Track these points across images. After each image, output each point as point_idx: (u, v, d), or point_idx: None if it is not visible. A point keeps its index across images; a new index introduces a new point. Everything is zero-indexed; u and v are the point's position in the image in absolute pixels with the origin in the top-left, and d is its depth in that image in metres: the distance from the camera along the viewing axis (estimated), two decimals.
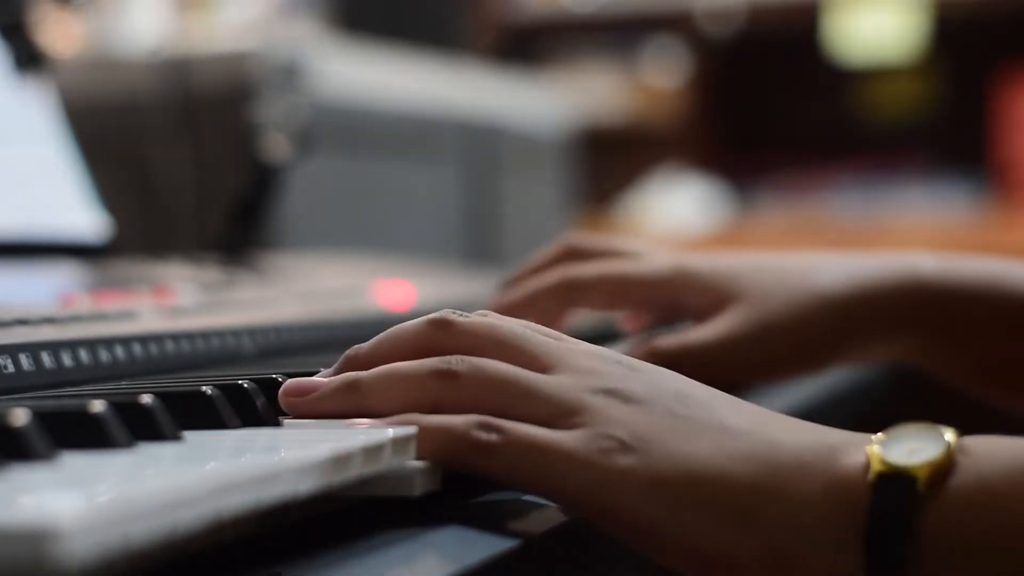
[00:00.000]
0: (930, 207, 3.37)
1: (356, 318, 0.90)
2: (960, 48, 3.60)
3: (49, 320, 0.66)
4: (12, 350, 0.59)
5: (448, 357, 0.55)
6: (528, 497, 0.55)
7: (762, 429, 0.53)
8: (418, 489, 0.50)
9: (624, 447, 0.52)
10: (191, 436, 0.49)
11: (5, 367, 0.59)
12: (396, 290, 1.05)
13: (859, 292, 0.80)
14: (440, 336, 0.57)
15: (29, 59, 1.07)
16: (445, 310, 0.58)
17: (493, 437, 0.52)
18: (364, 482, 0.48)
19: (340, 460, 0.46)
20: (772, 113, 3.83)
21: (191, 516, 0.38)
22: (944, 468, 0.51)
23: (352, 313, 0.91)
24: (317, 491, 0.45)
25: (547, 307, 0.79)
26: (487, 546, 0.48)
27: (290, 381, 0.56)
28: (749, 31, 3.55)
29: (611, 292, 0.81)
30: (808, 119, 3.77)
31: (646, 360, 0.58)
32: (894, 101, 3.72)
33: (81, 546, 0.34)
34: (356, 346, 0.59)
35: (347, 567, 0.44)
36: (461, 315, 0.58)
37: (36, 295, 0.92)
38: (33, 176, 1.05)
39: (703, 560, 0.52)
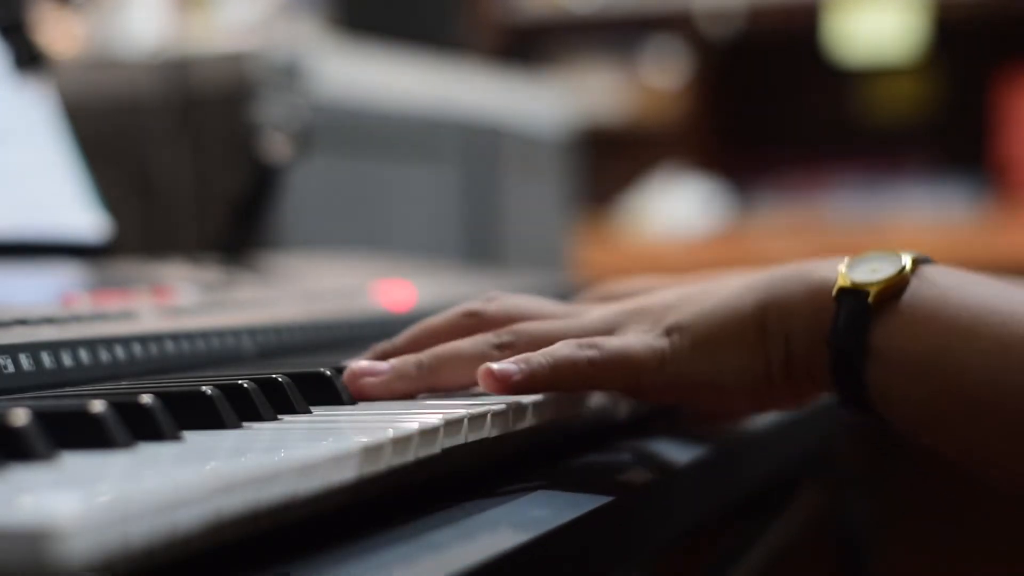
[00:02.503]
0: (930, 207, 3.37)
1: (356, 318, 0.90)
2: (960, 48, 3.60)
3: (49, 320, 0.66)
4: (12, 350, 0.59)
5: (496, 331, 0.64)
6: (527, 498, 0.55)
7: (752, 273, 0.64)
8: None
9: (669, 329, 0.63)
10: (191, 436, 0.49)
11: (5, 367, 0.59)
12: (396, 290, 1.05)
13: None
14: (475, 325, 0.65)
15: (29, 59, 1.07)
16: (471, 301, 0.66)
17: (594, 353, 0.61)
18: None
19: (340, 460, 0.46)
20: (772, 113, 3.83)
21: (191, 516, 0.38)
22: (895, 287, 0.59)
23: (352, 313, 0.91)
24: (350, 481, 0.46)
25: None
26: (487, 546, 0.48)
27: (357, 364, 0.62)
28: (749, 31, 3.54)
29: None
30: (808, 119, 3.76)
31: None
32: (894, 101, 3.72)
33: (81, 546, 0.34)
34: (388, 340, 0.66)
35: (347, 567, 0.44)
36: (490, 300, 0.66)
37: (36, 295, 0.92)
38: (33, 176, 1.04)
39: (747, 388, 0.62)
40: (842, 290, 0.60)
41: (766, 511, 1.01)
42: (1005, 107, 3.46)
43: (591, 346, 0.62)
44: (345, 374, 0.62)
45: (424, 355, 0.63)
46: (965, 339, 0.57)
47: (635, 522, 0.62)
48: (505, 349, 0.63)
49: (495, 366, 0.60)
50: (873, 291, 0.59)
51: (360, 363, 0.62)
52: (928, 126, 3.66)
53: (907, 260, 0.60)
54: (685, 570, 0.95)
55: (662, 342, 0.62)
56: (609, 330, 0.64)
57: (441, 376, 0.63)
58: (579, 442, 0.66)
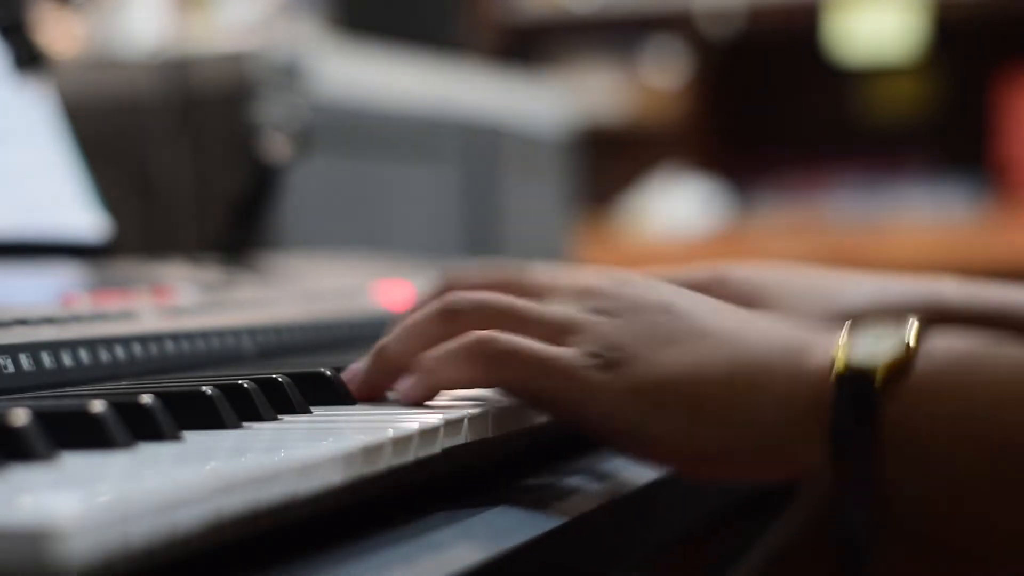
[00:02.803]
0: (930, 207, 3.37)
1: (356, 318, 0.90)
2: (960, 48, 3.60)
3: (49, 320, 0.66)
4: (12, 350, 0.59)
5: (447, 296, 0.61)
6: (527, 498, 0.55)
7: (737, 331, 0.57)
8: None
9: (607, 363, 0.56)
10: (191, 436, 0.49)
11: (5, 367, 0.59)
12: (396, 290, 1.05)
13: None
14: (452, 326, 0.61)
15: (29, 59, 1.07)
16: (444, 298, 0.62)
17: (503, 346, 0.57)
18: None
19: (340, 460, 0.46)
20: (772, 113, 3.83)
21: (191, 516, 0.38)
22: (901, 366, 0.53)
23: (352, 313, 0.91)
24: (350, 481, 0.46)
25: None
26: (487, 546, 0.48)
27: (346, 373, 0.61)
28: (749, 31, 3.54)
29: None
30: (808, 119, 3.76)
31: None
32: (894, 101, 3.72)
33: (81, 546, 0.34)
34: (381, 346, 0.63)
35: (347, 567, 0.44)
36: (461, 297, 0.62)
37: (36, 295, 0.92)
38: (33, 176, 1.04)
39: (681, 457, 0.56)
40: (841, 376, 0.54)
41: (766, 511, 1.01)
42: (1005, 107, 3.46)
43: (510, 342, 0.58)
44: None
45: (381, 341, 0.61)
46: (1001, 409, 0.52)
47: (635, 522, 0.62)
48: (451, 320, 0.60)
49: (401, 390, 0.58)
50: (879, 374, 0.53)
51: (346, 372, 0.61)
52: (928, 126, 3.66)
53: (910, 331, 0.55)
54: (685, 570, 0.95)
55: (598, 375, 0.56)
56: (564, 328, 0.58)
57: (398, 359, 0.60)
58: (580, 442, 0.66)
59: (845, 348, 0.54)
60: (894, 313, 0.57)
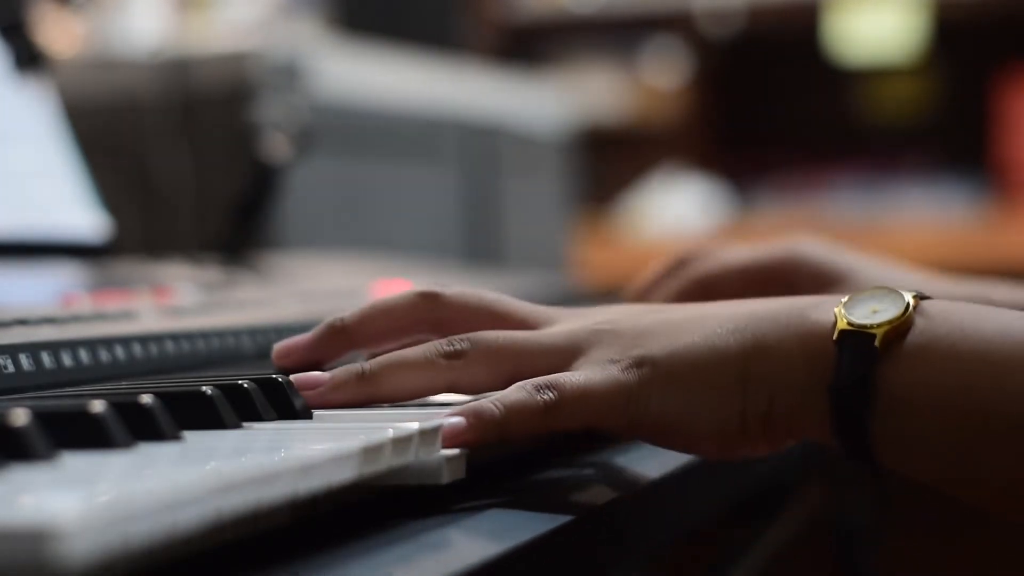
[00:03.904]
0: (930, 207, 3.37)
1: None
2: (960, 48, 3.60)
3: (49, 320, 0.66)
4: (12, 350, 0.59)
5: (450, 338, 0.59)
6: (528, 498, 0.55)
7: (739, 307, 0.59)
8: (446, 478, 0.53)
9: (632, 361, 0.57)
10: (191, 436, 0.49)
11: (5, 367, 0.59)
12: (396, 290, 1.05)
13: None
14: (432, 308, 0.61)
15: (29, 59, 1.07)
16: (429, 282, 0.62)
17: (553, 396, 0.56)
18: (392, 472, 0.50)
19: (340, 460, 0.46)
20: (772, 113, 3.83)
21: (191, 516, 0.38)
22: (900, 327, 0.55)
23: None
24: (350, 481, 0.46)
25: None
26: (487, 546, 0.48)
27: (295, 376, 0.58)
28: (749, 31, 3.54)
29: None
30: (808, 119, 3.76)
31: None
32: (894, 101, 3.72)
33: (81, 546, 0.34)
34: (338, 316, 0.62)
35: (347, 567, 0.44)
36: (445, 286, 0.62)
37: (36, 295, 0.92)
38: (33, 176, 1.04)
39: (718, 435, 0.57)
40: (843, 333, 0.56)
41: (766, 511, 1.01)
42: (1005, 107, 3.46)
43: (548, 387, 0.56)
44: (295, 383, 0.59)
45: (368, 363, 0.59)
46: (991, 373, 0.54)
47: (636, 522, 0.62)
48: (456, 358, 0.59)
49: (445, 424, 0.55)
50: (879, 332, 0.55)
51: (301, 376, 0.59)
52: (928, 126, 3.66)
53: (909, 297, 0.56)
54: (685, 570, 0.95)
55: (629, 376, 0.57)
56: (574, 350, 0.59)
57: (384, 386, 0.59)
58: (581, 442, 0.66)
59: (847, 309, 0.56)
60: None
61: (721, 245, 0.89)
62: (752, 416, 0.57)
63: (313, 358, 0.63)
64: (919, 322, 0.56)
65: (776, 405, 0.56)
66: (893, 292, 0.57)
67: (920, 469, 0.56)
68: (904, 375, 0.55)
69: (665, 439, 0.59)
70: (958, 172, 3.49)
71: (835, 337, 0.56)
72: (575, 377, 0.57)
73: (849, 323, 0.56)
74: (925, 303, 0.57)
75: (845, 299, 0.57)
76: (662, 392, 0.57)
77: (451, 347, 0.59)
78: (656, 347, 0.57)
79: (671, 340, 0.58)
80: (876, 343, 0.55)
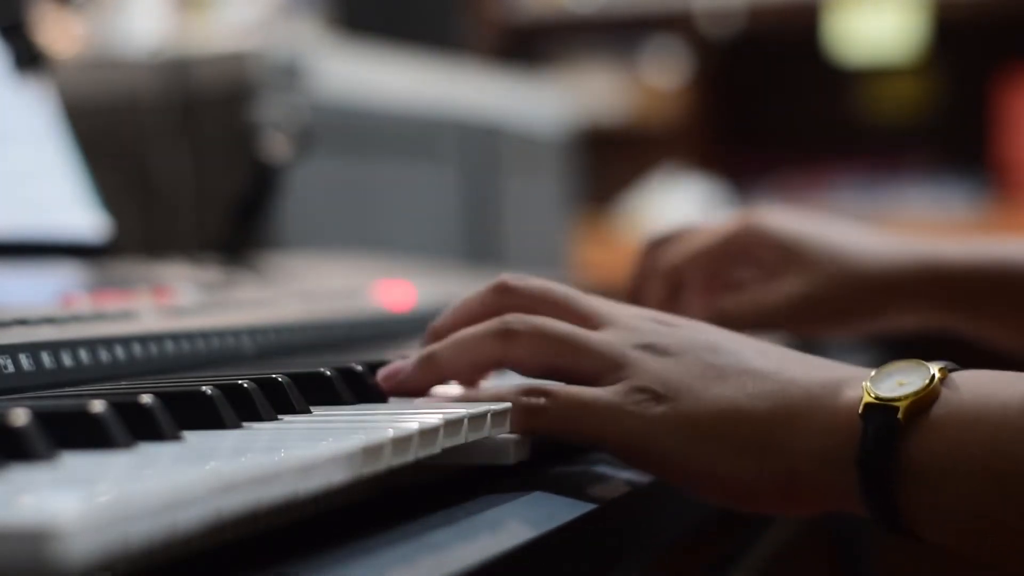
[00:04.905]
0: (930, 207, 3.37)
1: (356, 318, 0.90)
2: (960, 48, 3.60)
3: (49, 320, 0.66)
4: (12, 350, 0.59)
5: (506, 316, 0.62)
6: (527, 498, 0.55)
7: (781, 369, 0.60)
8: (513, 458, 0.57)
9: (657, 397, 0.59)
10: (191, 436, 0.49)
11: (5, 367, 0.59)
12: (396, 290, 1.05)
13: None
14: (503, 300, 0.64)
15: (29, 59, 1.07)
16: (504, 275, 0.65)
17: (542, 401, 0.59)
18: (459, 450, 0.54)
19: (340, 460, 0.46)
20: (772, 113, 3.83)
21: (191, 516, 0.38)
22: (925, 400, 0.56)
23: (352, 313, 0.91)
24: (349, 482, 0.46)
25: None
26: (486, 546, 0.48)
27: (382, 369, 0.63)
28: (749, 31, 3.54)
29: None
30: (808, 119, 3.76)
31: (716, 321, 0.67)
32: (894, 101, 3.72)
33: (81, 546, 0.34)
34: (431, 323, 0.66)
35: (347, 567, 0.44)
36: (518, 278, 0.65)
37: (36, 295, 0.92)
38: (33, 176, 1.04)
39: (728, 489, 0.59)
40: (868, 407, 0.57)
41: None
42: (1005, 107, 3.46)
43: (539, 394, 0.60)
44: (378, 376, 0.63)
45: (434, 347, 0.63)
46: (1015, 439, 0.54)
47: (634, 522, 0.62)
48: (506, 339, 0.61)
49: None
50: (903, 405, 0.56)
51: (385, 368, 0.63)
52: (928, 126, 3.66)
53: (935, 369, 0.57)
54: (685, 570, 0.95)
55: (644, 408, 0.59)
56: (615, 364, 0.61)
57: (445, 367, 0.62)
58: (576, 445, 0.66)
59: (873, 383, 0.58)
60: (920, 355, 0.59)
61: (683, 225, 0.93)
62: (768, 481, 0.58)
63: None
64: (944, 393, 0.57)
65: (799, 475, 0.58)
66: (920, 365, 0.58)
67: (952, 538, 0.57)
68: (929, 446, 0.56)
69: (665, 476, 0.60)
70: (958, 172, 3.49)
71: (860, 411, 0.57)
72: (578, 390, 0.60)
73: (876, 397, 0.57)
74: (954, 374, 0.58)
75: (873, 373, 0.58)
76: (673, 434, 0.59)
77: (505, 326, 0.62)
78: (687, 391, 0.59)
79: (703, 388, 0.59)
80: (900, 415, 0.56)
